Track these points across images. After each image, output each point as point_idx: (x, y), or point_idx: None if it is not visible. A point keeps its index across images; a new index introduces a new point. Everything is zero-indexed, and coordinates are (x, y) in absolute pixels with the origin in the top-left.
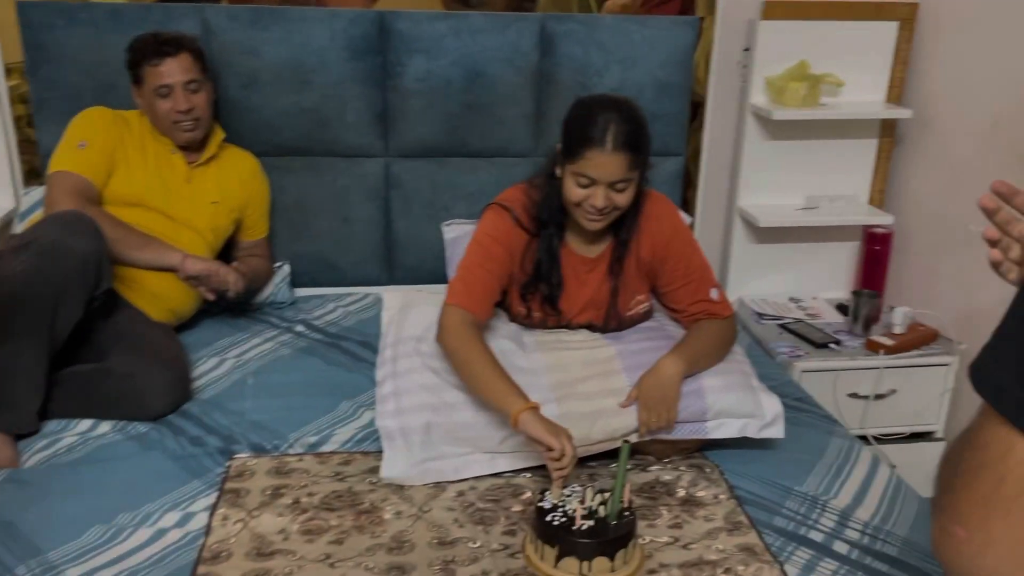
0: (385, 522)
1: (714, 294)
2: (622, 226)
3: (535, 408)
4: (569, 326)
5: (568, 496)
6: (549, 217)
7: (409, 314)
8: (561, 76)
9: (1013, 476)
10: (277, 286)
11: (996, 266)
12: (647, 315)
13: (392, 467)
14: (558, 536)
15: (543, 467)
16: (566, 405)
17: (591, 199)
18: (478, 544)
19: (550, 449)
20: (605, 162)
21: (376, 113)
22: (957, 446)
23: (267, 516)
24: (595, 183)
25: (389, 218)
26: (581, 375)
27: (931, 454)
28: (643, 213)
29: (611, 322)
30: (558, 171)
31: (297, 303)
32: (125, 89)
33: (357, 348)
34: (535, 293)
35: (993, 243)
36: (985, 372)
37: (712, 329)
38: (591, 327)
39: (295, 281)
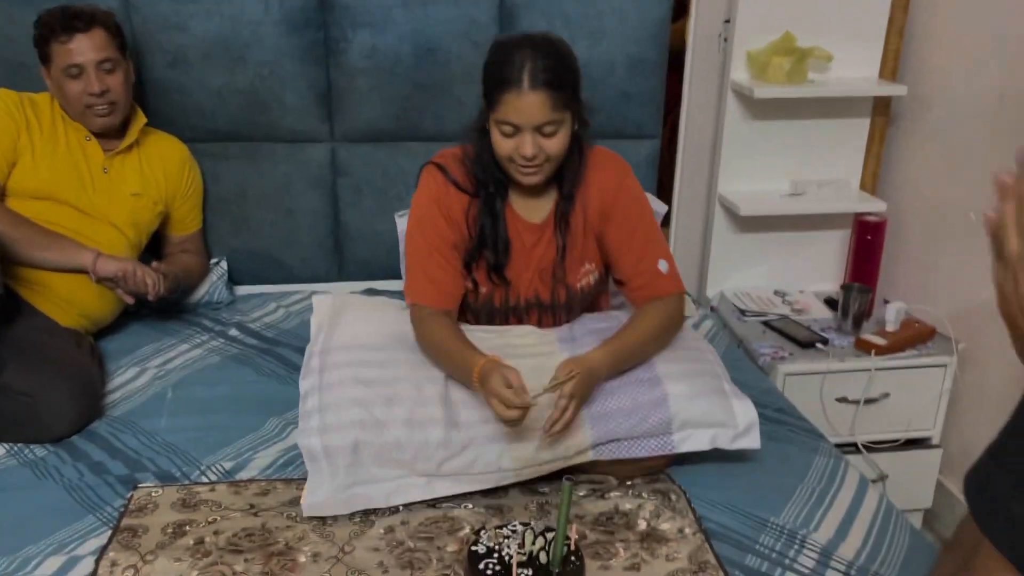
0: (299, 567)
1: (662, 265)
2: (564, 180)
3: (495, 361)
4: (517, 305)
5: (506, 538)
6: (486, 175)
7: (341, 319)
8: None
9: None
10: (213, 284)
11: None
12: (599, 287)
13: (315, 493)
14: None
15: (487, 493)
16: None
17: (520, 148)
18: None
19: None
20: (526, 104)
21: (319, 94)
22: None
23: (162, 561)
24: (520, 129)
25: (337, 208)
26: (528, 386)
27: (926, 463)
28: (589, 166)
29: (559, 293)
30: (487, 125)
31: (236, 303)
32: (36, 69)
33: (294, 355)
34: (480, 261)
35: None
36: (990, 503)
37: (651, 316)
38: (539, 304)
39: (235, 279)
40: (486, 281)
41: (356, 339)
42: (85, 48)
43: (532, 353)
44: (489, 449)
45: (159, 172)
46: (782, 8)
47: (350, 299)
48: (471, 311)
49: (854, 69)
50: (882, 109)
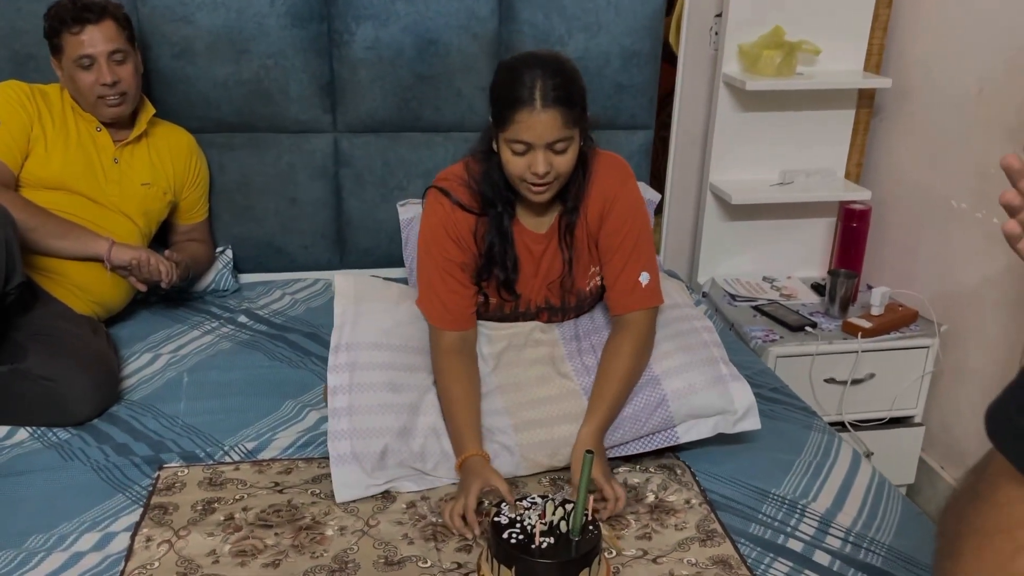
0: (327, 539)
1: (644, 277)
2: (569, 192)
3: (481, 456)
4: (528, 311)
5: (527, 509)
6: (495, 194)
7: (363, 310)
8: (521, 44)
9: None
10: (219, 273)
11: (1012, 240)
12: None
13: (343, 489)
14: (515, 556)
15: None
16: (526, 435)
17: (532, 166)
18: (428, 564)
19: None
20: (538, 122)
21: (322, 85)
22: (966, 497)
23: (196, 536)
24: (531, 147)
25: (339, 198)
26: (538, 396)
27: (910, 440)
28: (592, 173)
29: (569, 299)
30: (494, 145)
31: (241, 290)
32: (45, 60)
33: (304, 340)
34: (490, 279)
35: (1012, 212)
36: (1005, 420)
37: (624, 355)
38: (550, 308)
39: (239, 267)
40: (496, 295)
41: (385, 337)
42: (96, 39)
43: (537, 362)
44: (507, 461)
45: (168, 162)
46: (771, 3)
47: (372, 284)
48: (481, 316)
49: (840, 62)
50: (866, 101)
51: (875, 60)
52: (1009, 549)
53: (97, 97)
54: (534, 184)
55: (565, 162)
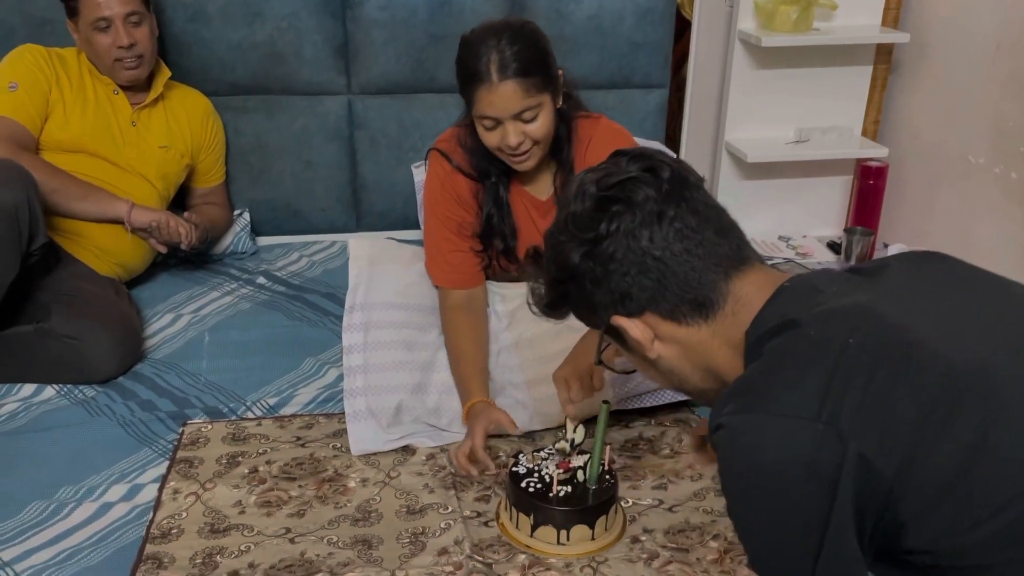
0: (350, 491)
1: None
2: (560, 152)
3: (485, 402)
4: None
5: (544, 460)
6: (488, 165)
7: (377, 272)
8: (536, 2)
9: None
10: (237, 235)
11: None
12: None
13: (360, 443)
14: (533, 504)
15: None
16: (537, 390)
17: (504, 139)
18: (449, 510)
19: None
20: (498, 97)
21: (336, 46)
22: None
23: (222, 488)
24: (499, 122)
25: (354, 160)
26: (551, 351)
27: None
28: (592, 142)
29: None
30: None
31: (259, 253)
32: (60, 24)
33: (322, 301)
34: (491, 247)
35: None
36: None
37: None
38: None
39: (256, 230)
40: (498, 260)
41: (398, 297)
42: (112, 1)
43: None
44: (521, 414)
45: (184, 125)
46: None
47: (386, 247)
48: (492, 278)
49: (857, 17)
50: (884, 57)
51: (893, 15)
52: None
53: (114, 60)
54: (512, 155)
55: (537, 129)
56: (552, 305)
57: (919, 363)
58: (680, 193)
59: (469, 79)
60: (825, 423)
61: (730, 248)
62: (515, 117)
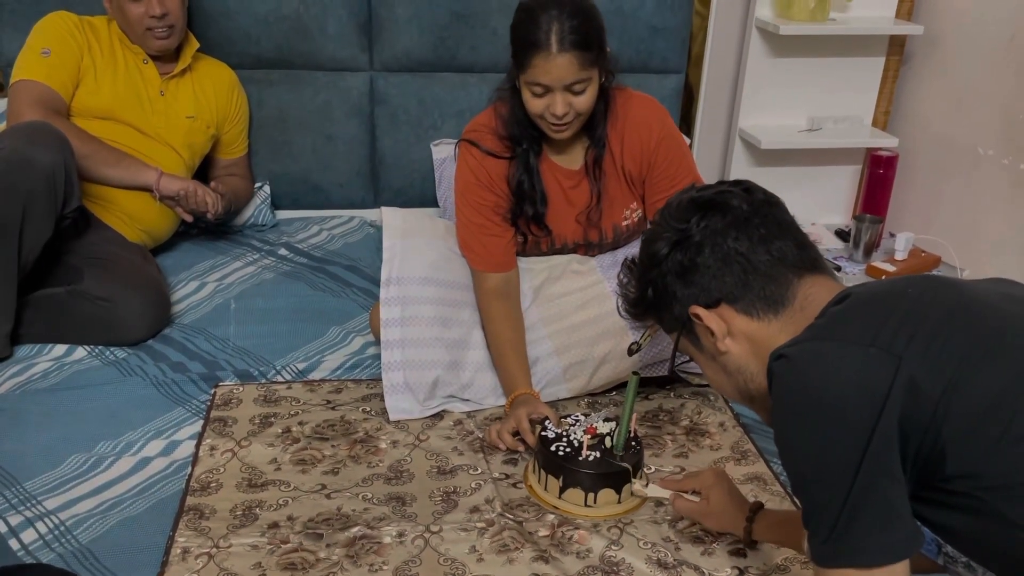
0: (381, 451)
1: None
2: (595, 127)
3: (530, 394)
4: (564, 247)
5: (572, 425)
6: (521, 132)
7: (410, 245)
8: None
9: None
10: (258, 208)
11: None
12: (643, 225)
13: (396, 411)
14: (563, 467)
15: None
16: (567, 356)
17: (551, 107)
18: (479, 471)
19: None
20: (554, 66)
21: (359, 23)
22: None
23: (257, 446)
24: (550, 89)
25: (374, 136)
26: (578, 320)
27: None
28: (628, 119)
29: (606, 232)
30: (517, 83)
31: (279, 226)
32: None
33: (344, 273)
34: (521, 215)
35: None
36: None
37: None
38: (587, 244)
39: (276, 203)
40: (531, 231)
41: (433, 272)
42: None
43: (574, 289)
44: (550, 389)
45: (211, 96)
46: None
47: (419, 219)
48: (521, 254)
49: (872, 8)
50: (896, 48)
51: (907, 7)
52: None
53: (146, 29)
54: (553, 123)
55: (584, 102)
56: (636, 303)
57: (977, 312)
58: (768, 209)
59: (527, 45)
60: (879, 348)
61: (806, 257)
62: (566, 88)
